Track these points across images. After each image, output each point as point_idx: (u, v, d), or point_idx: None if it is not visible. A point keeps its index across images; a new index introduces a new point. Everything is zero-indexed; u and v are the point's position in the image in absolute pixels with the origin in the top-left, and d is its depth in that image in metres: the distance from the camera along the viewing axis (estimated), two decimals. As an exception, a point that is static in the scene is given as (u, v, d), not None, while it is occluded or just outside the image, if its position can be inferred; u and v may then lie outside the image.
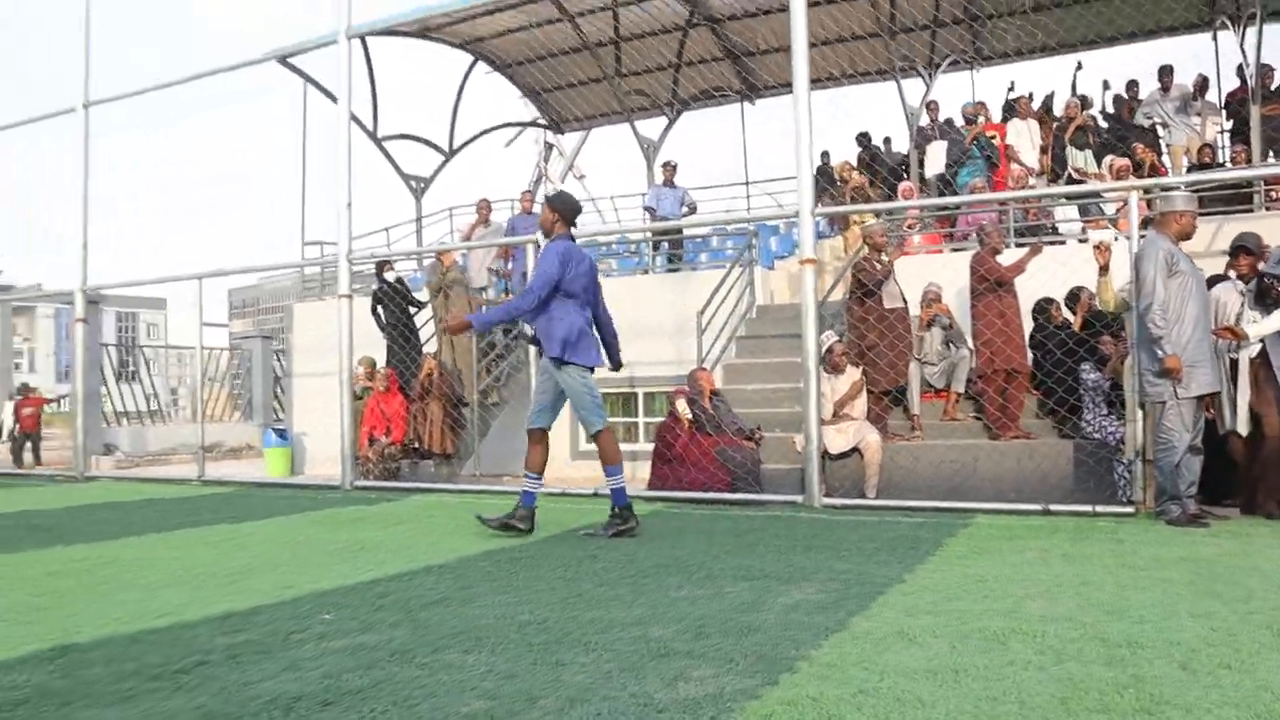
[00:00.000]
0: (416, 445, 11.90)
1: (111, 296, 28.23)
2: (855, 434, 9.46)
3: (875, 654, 3.49)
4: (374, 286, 13.17)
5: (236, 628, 4.01)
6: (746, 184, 19.93)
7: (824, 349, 9.97)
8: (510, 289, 14.34)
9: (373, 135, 18.10)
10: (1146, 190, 8.65)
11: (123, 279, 13.05)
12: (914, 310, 10.37)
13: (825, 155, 18.26)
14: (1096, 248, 7.66)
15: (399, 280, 13.00)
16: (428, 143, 19.51)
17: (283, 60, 16.20)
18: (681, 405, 9.93)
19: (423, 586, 4.85)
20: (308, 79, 16.86)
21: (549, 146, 24.95)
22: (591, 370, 6.77)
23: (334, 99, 17.59)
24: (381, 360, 12.77)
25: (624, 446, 13.85)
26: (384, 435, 11.77)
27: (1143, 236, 7.26)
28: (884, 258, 10.04)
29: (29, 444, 19.05)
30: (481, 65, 20.19)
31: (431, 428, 11.77)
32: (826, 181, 17.84)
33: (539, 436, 6.91)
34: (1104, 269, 7.68)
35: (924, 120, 15.45)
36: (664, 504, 8.69)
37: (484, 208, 14.49)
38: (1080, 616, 4.04)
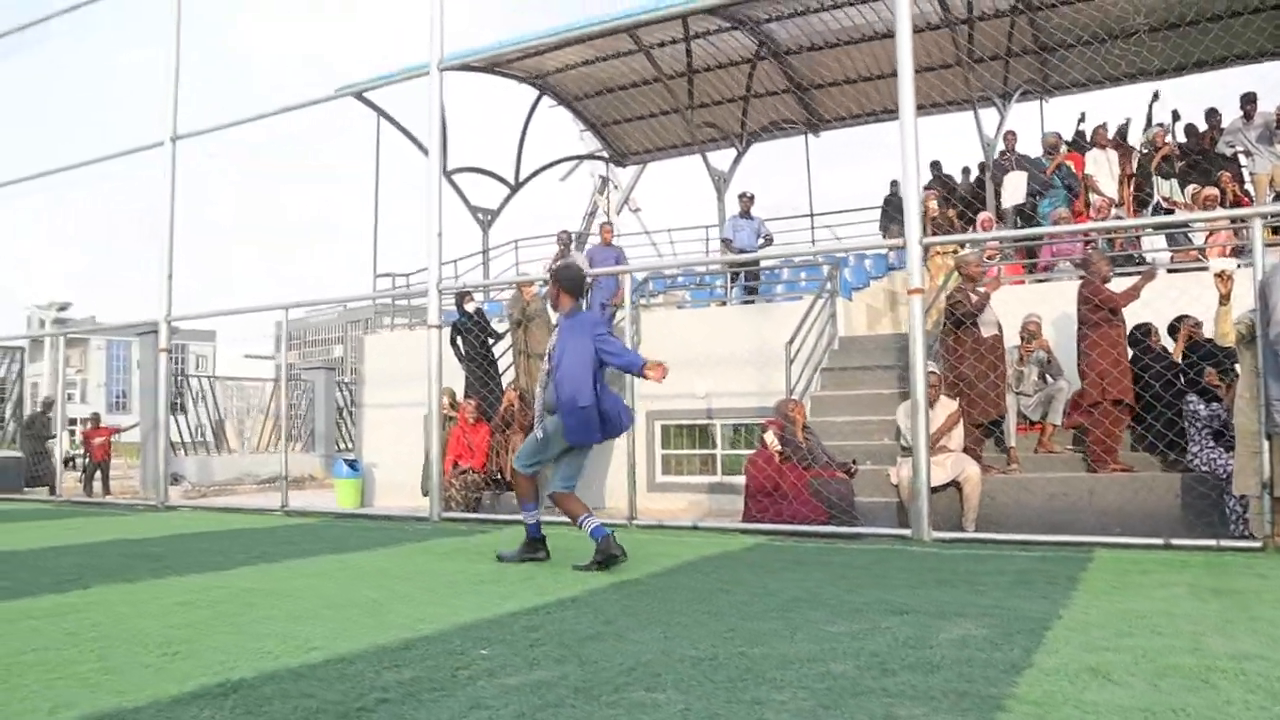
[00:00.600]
0: (499, 476, 11.83)
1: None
2: (953, 466, 9.29)
3: (1078, 692, 3.35)
4: (454, 319, 13.16)
5: (396, 662, 3.91)
6: (811, 215, 19.88)
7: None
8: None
9: (442, 168, 18.18)
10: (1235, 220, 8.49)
11: (204, 310, 13.04)
12: (1008, 340, 10.22)
13: (894, 184, 18.18)
14: (1218, 275, 7.49)
15: (478, 311, 12.99)
16: (495, 175, 19.59)
17: (359, 95, 16.34)
18: (770, 437, 9.81)
19: (566, 620, 4.75)
20: (382, 114, 16.98)
21: (603, 180, 25.05)
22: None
23: (406, 132, 17.83)
24: (458, 391, 12.76)
25: (700, 479, 13.80)
26: (468, 466, 11.72)
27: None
28: (979, 288, 9.90)
29: (99, 473, 19.18)
30: (546, 99, 20.31)
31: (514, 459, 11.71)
32: (894, 210, 17.74)
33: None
34: (1224, 298, 7.52)
35: (999, 150, 15.31)
36: (765, 537, 8.54)
37: (564, 239, 14.47)
38: (1271, 654, 3.89)
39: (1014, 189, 14.42)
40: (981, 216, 13.56)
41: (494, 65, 19.40)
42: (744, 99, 18.70)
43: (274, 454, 22.53)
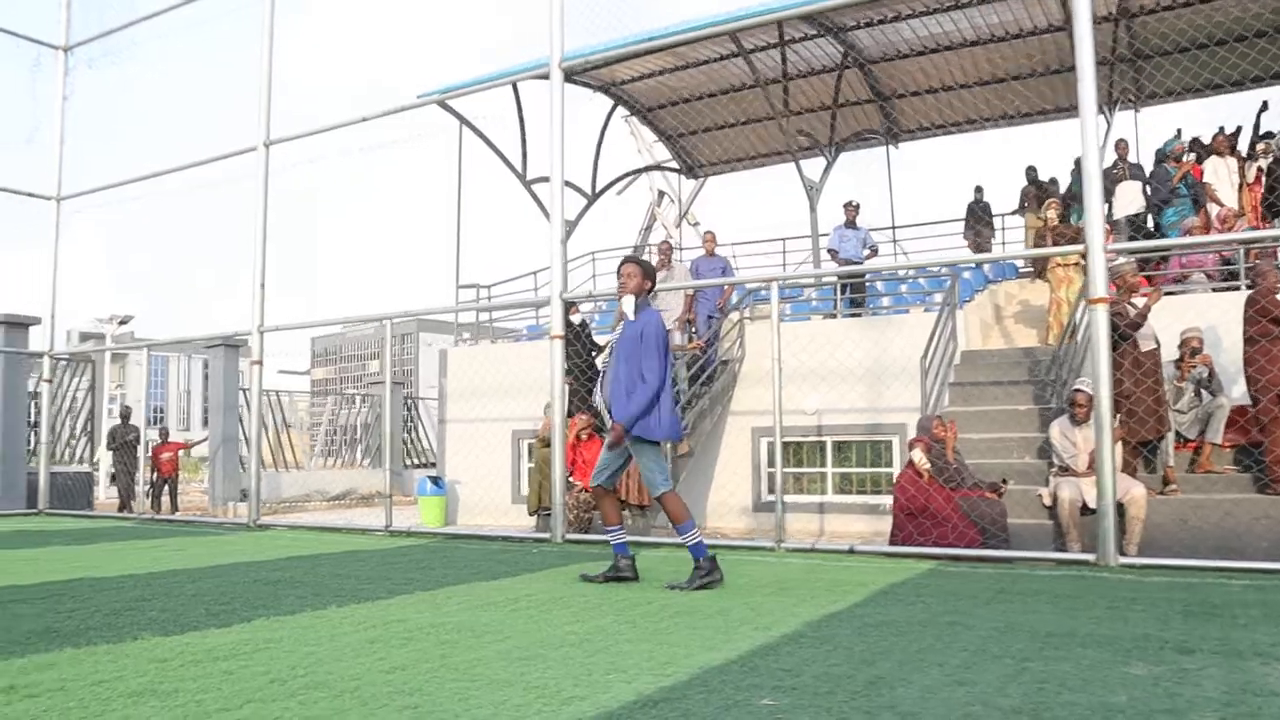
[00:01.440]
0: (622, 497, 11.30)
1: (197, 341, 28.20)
2: (1118, 487, 8.72)
3: None
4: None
5: (676, 714, 3.40)
6: (893, 227, 19.37)
7: (1066, 399, 9.37)
8: (695, 334, 13.77)
9: (521, 177, 17.75)
10: None
11: (296, 321, 12.60)
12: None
13: (979, 191, 17.66)
14: None
15: (583, 324, 12.50)
16: (574, 187, 19.14)
17: (442, 103, 15.95)
18: (918, 455, 9.26)
19: (821, 661, 4.22)
20: (464, 121, 16.58)
21: (660, 194, 24.60)
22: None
23: (488, 141, 17.41)
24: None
25: (813, 498, 13.27)
26: (579, 484, 11.21)
27: None
28: (1136, 300, 9.35)
29: (167, 489, 18.80)
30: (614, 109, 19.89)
31: (627, 478, 11.20)
32: (978, 219, 17.20)
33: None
34: None
35: (1111, 159, 14.74)
36: (935, 562, 7.97)
37: (666, 250, 13.95)
38: None
39: (1128, 199, 13.85)
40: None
41: (570, 73, 19.02)
42: (831, 108, 18.19)
43: (339, 470, 22.13)
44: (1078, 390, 9.14)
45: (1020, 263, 17.48)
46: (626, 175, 21.61)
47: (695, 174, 22.39)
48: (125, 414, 19.60)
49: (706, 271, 13.59)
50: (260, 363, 11.97)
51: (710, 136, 20.57)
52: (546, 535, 9.86)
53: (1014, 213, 18.18)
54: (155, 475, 18.81)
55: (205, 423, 21.79)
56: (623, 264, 6.73)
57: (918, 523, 8.89)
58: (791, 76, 17.33)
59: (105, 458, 21.47)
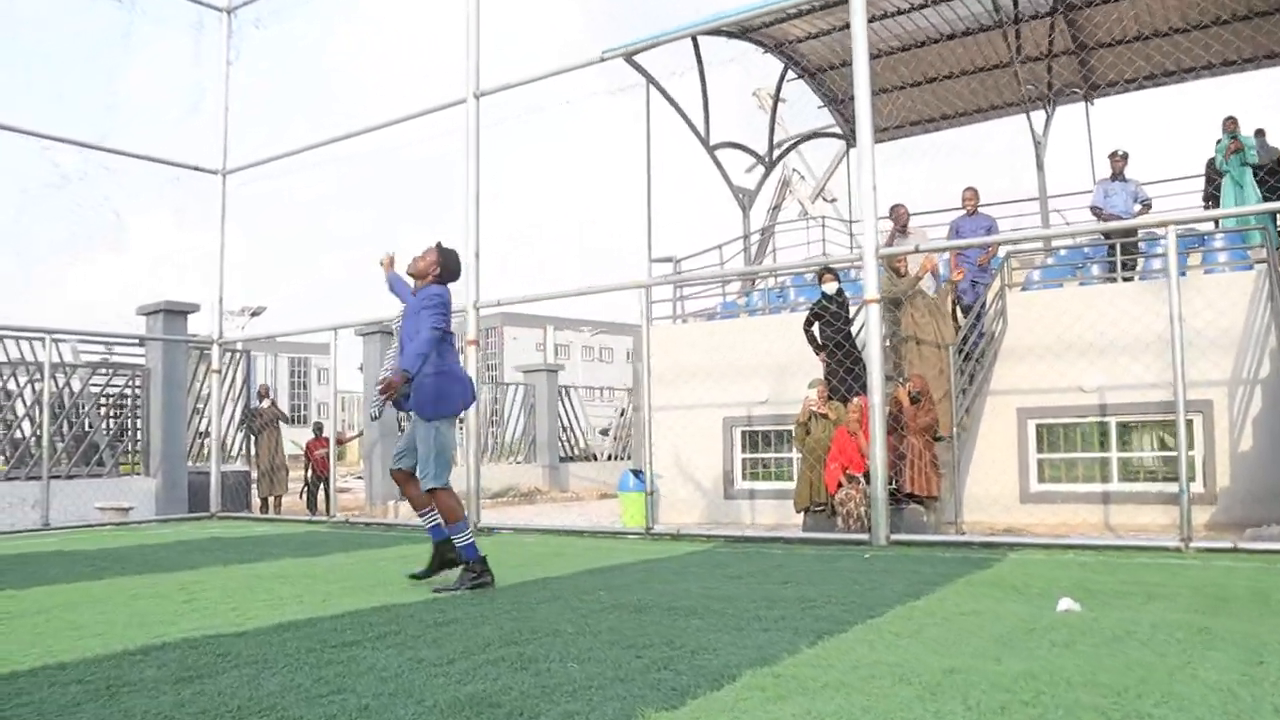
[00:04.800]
0: (894, 488, 9.84)
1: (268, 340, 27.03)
2: None
3: None
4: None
5: None
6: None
7: None
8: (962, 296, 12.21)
9: (704, 141, 16.34)
10: None
11: (522, 294, 11.21)
12: None
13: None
14: None
15: (839, 292, 11.01)
16: (752, 153, 17.74)
17: (628, 58, 14.55)
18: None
19: None
20: (651, 80, 15.16)
21: (794, 171, 23.20)
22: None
23: (674, 103, 16.01)
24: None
25: (1095, 487, 11.70)
26: (859, 475, 9.74)
27: None
28: None
29: (323, 488, 17.53)
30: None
31: (913, 469, 9.73)
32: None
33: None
34: None
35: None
36: None
37: (902, 214, 12.38)
38: None
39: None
40: None
41: (745, 29, 17.60)
42: (1046, 58, 16.51)
43: (500, 465, 20.81)
44: None
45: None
46: (806, 138, 20.17)
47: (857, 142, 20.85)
48: (263, 392, 17.78)
49: (970, 231, 12.04)
50: (476, 343, 10.60)
51: (883, 99, 19.01)
52: (855, 536, 8.37)
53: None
54: (310, 473, 17.59)
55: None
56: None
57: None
58: (1000, 24, 15.74)
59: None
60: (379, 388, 6.07)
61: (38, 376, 14.18)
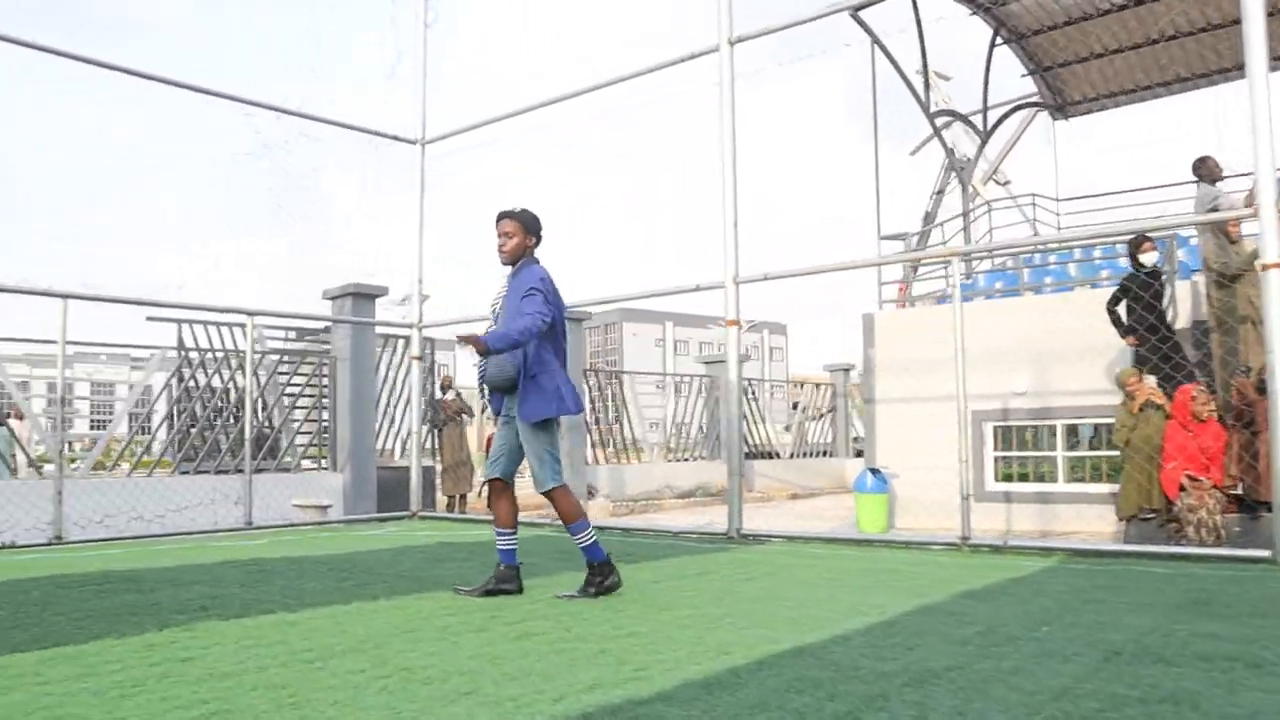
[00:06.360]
0: (1240, 493, 8.38)
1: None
2: None
3: None
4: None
5: None
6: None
7: None
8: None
9: (925, 108, 14.93)
10: None
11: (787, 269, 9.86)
12: None
13: None
14: None
15: (1154, 271, 9.51)
16: (967, 121, 16.28)
17: (854, 12, 13.25)
18: None
19: None
20: (874, 38, 13.81)
21: (951, 153, 21.64)
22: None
23: (896, 64, 14.63)
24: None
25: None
26: (1206, 479, 8.27)
27: None
28: None
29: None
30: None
31: (1240, 463, 8.25)
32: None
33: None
34: None
35: None
36: None
37: (1214, 167, 10.81)
38: None
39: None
40: None
41: (959, -17, 16.17)
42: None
43: (676, 463, 19.60)
44: None
45: None
46: (1011, 109, 18.67)
47: (1065, 114, 19.24)
48: (447, 384, 16.51)
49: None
50: (738, 323, 9.33)
51: (1095, 66, 17.41)
52: (1221, 551, 6.89)
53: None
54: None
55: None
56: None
57: None
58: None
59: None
60: (465, 338, 5.52)
61: (226, 365, 13.38)
